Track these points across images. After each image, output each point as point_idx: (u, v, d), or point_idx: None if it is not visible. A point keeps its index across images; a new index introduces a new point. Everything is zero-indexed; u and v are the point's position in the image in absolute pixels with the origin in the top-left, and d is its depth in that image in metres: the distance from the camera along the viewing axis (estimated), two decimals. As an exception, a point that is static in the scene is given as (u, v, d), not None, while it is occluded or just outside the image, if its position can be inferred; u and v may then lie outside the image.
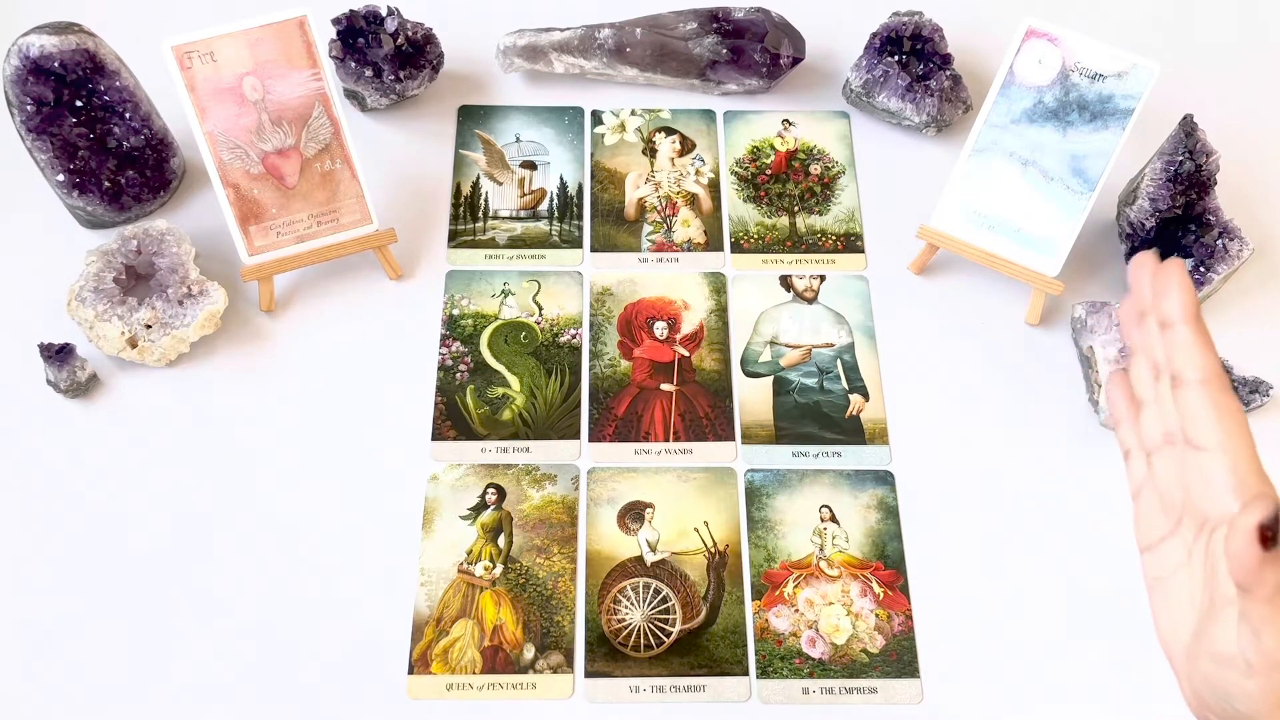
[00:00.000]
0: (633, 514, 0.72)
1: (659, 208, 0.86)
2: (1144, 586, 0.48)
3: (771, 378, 0.78)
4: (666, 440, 0.75)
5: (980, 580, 0.70)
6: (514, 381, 0.77)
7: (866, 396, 0.77)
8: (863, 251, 0.84)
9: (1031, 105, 0.76)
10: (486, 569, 0.69)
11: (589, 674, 0.66)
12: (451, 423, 0.75)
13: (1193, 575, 0.47)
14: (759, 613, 0.68)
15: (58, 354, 0.73)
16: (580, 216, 0.85)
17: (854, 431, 0.75)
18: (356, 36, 0.86)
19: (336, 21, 0.85)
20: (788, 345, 0.79)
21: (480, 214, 0.85)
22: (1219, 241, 0.77)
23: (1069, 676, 0.66)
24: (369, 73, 0.85)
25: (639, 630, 0.68)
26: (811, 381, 0.77)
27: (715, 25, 0.89)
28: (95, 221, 0.81)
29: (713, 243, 0.84)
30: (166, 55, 0.70)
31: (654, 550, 0.71)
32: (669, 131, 0.90)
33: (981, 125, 0.77)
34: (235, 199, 0.75)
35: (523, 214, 0.85)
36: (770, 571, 0.70)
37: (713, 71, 0.90)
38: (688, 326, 0.80)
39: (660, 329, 0.80)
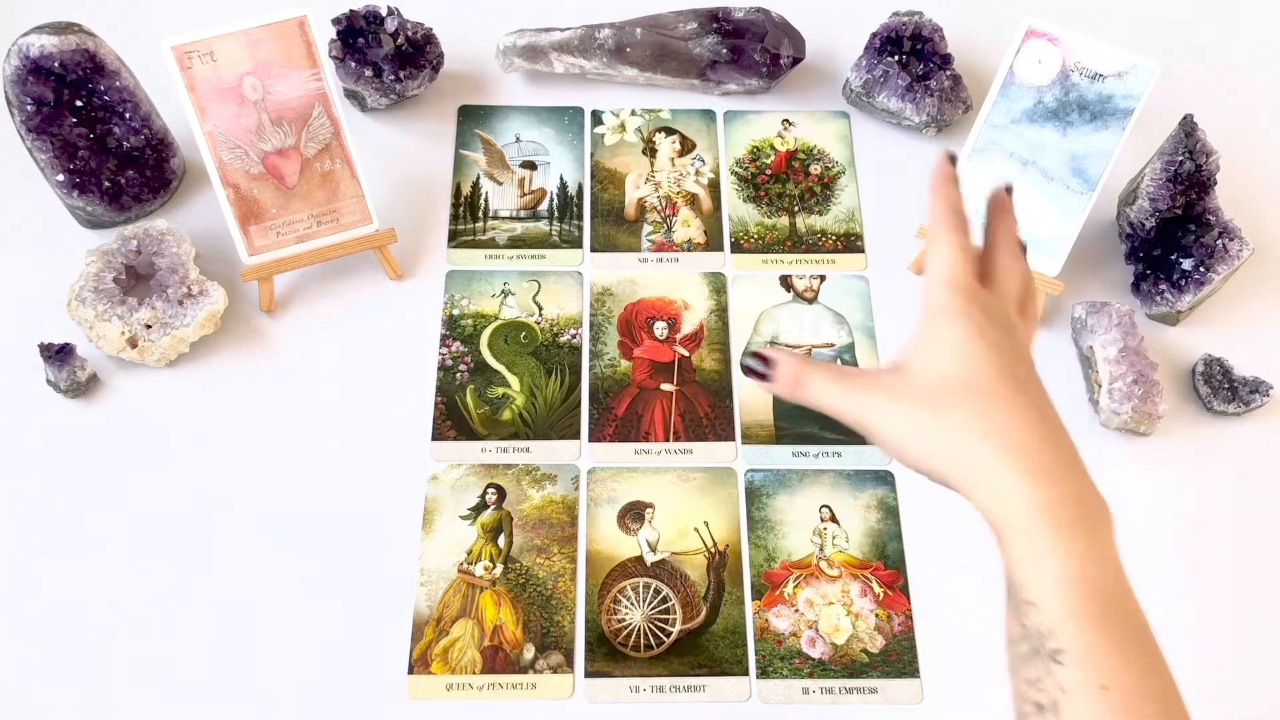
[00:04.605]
0: (633, 514, 0.72)
1: (659, 208, 0.86)
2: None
3: (771, 378, 0.78)
4: (666, 440, 0.75)
5: (980, 580, 0.69)
6: (514, 381, 0.77)
7: (866, 396, 0.77)
8: (863, 251, 0.84)
9: (1031, 105, 0.76)
10: (486, 569, 0.69)
11: (589, 674, 0.66)
12: (451, 423, 0.75)
13: None
14: (759, 613, 0.68)
15: (58, 354, 0.73)
16: (580, 216, 0.85)
17: (854, 432, 0.75)
18: (356, 36, 0.86)
19: (336, 21, 0.85)
20: (788, 345, 0.79)
21: (480, 214, 0.85)
22: (1219, 241, 0.77)
23: (1069, 676, 0.65)
24: (369, 73, 0.85)
25: (639, 630, 0.68)
26: (811, 381, 0.77)
27: (715, 25, 0.89)
28: (95, 221, 0.81)
29: (713, 243, 0.84)
30: (166, 55, 0.70)
31: (654, 550, 0.71)
32: (669, 131, 0.90)
33: (981, 125, 0.77)
34: (235, 199, 0.75)
35: (523, 214, 0.85)
36: (770, 571, 0.70)
37: (713, 71, 0.90)
38: (688, 326, 0.80)
39: (660, 329, 0.80)
